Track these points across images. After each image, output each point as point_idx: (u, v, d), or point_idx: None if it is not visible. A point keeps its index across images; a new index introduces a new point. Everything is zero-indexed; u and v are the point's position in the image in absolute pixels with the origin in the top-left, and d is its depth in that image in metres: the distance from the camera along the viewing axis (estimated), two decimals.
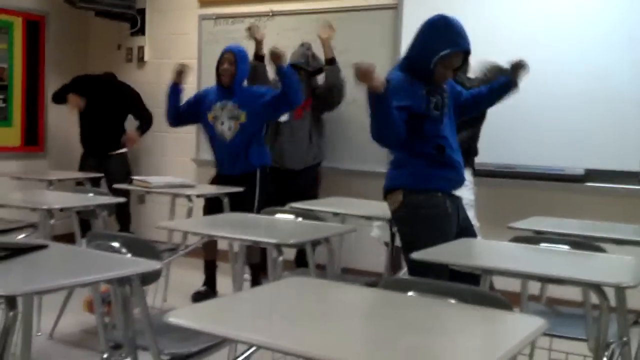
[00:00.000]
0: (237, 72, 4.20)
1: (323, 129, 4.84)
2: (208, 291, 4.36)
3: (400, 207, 2.80)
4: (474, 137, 3.97)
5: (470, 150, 4.00)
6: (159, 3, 5.91)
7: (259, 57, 4.56)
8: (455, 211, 2.83)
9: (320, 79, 4.80)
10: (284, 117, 4.63)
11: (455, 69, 2.85)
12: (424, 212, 2.75)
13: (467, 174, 3.99)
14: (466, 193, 3.90)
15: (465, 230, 2.83)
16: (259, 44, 4.55)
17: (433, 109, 2.76)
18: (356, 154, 4.92)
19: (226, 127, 4.21)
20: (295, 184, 4.65)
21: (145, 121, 5.49)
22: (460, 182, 2.88)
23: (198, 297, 4.25)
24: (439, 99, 2.80)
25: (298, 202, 3.49)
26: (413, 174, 2.79)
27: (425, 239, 2.46)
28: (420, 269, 2.27)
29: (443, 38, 2.72)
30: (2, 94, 5.64)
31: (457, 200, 2.88)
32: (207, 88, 4.46)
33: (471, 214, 3.78)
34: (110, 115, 5.48)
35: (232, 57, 4.20)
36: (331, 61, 4.65)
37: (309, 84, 4.72)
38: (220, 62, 4.25)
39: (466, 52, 2.81)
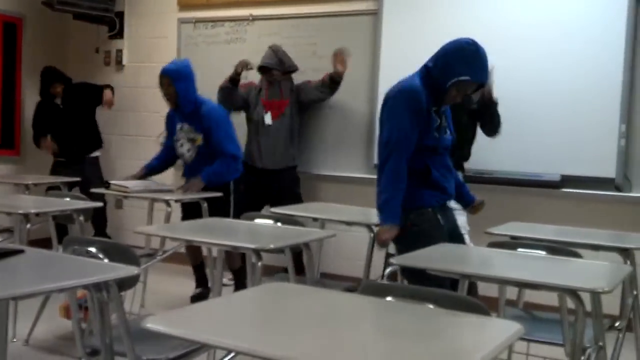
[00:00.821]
0: (177, 92, 4.10)
1: (298, 132, 4.84)
2: (203, 292, 4.35)
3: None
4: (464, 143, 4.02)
5: (462, 154, 4.04)
6: (137, 6, 5.88)
7: (233, 80, 4.57)
8: (446, 222, 2.85)
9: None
10: (267, 120, 4.62)
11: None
12: (416, 229, 2.77)
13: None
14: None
15: (454, 239, 2.84)
16: (238, 74, 4.57)
17: (435, 129, 2.80)
18: (331, 159, 4.93)
19: (185, 149, 4.23)
20: (276, 184, 4.65)
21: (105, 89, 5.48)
22: (448, 198, 2.92)
23: (196, 299, 4.24)
24: (443, 120, 2.85)
25: (278, 207, 3.48)
26: (405, 193, 2.79)
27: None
28: (421, 280, 2.24)
29: (468, 65, 2.73)
30: None
31: (448, 211, 2.91)
32: (170, 113, 4.39)
33: (463, 219, 3.81)
34: (78, 118, 5.43)
35: (166, 81, 4.11)
36: (338, 82, 4.67)
37: (286, 84, 4.73)
38: (160, 86, 4.19)
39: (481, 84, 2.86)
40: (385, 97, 2.85)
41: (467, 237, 3.61)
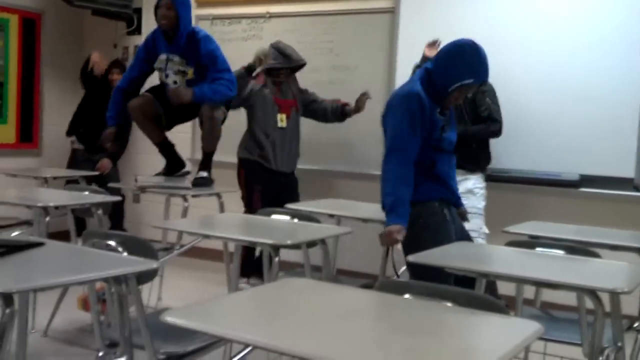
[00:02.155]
0: (178, 18, 3.86)
1: (300, 130, 4.79)
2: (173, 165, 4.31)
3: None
4: (481, 143, 4.01)
5: (480, 156, 4.02)
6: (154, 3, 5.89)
7: (250, 69, 4.51)
8: (452, 219, 2.86)
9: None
10: (281, 124, 4.57)
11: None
12: (422, 221, 2.78)
13: (479, 180, 4.02)
14: (475, 201, 3.93)
15: (463, 240, 2.84)
16: (256, 64, 4.52)
17: (440, 129, 2.81)
18: (347, 156, 4.93)
19: (171, 81, 3.99)
20: (287, 186, 4.64)
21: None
22: (452, 197, 2.91)
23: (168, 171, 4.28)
24: (447, 119, 2.85)
25: (294, 204, 3.49)
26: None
27: (427, 246, 2.45)
28: (423, 277, 2.24)
29: (469, 67, 2.74)
30: None
31: (453, 211, 2.91)
32: (148, 37, 4.10)
33: (479, 221, 3.81)
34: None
35: (168, 2, 3.85)
36: (345, 118, 4.67)
37: (294, 84, 4.67)
38: (157, 7, 3.92)
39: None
40: (386, 104, 2.88)
41: (482, 241, 3.59)
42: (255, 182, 4.51)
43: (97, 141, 5.35)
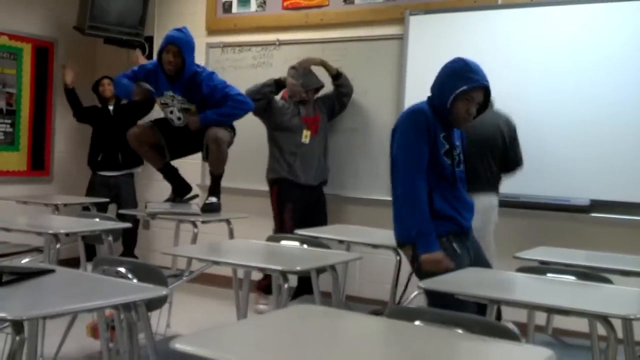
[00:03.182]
0: (184, 64, 3.98)
1: (328, 141, 4.91)
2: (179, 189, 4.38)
3: (413, 262, 2.78)
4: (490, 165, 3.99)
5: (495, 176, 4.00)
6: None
7: (279, 85, 4.62)
8: (464, 250, 2.80)
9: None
10: (304, 140, 4.65)
11: (479, 107, 2.86)
12: None
13: (494, 198, 3.99)
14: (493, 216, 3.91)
15: (478, 262, 2.81)
16: (283, 81, 4.65)
17: (443, 154, 2.80)
18: (357, 181, 4.94)
19: (175, 117, 4.16)
20: (314, 200, 4.73)
21: None
22: (459, 229, 2.83)
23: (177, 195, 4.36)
24: (452, 146, 2.83)
25: (304, 229, 3.48)
26: None
27: None
28: (444, 305, 2.16)
29: (460, 76, 2.76)
30: (9, 119, 5.68)
31: (465, 237, 2.85)
32: (151, 67, 4.20)
33: (494, 214, 3.75)
34: (120, 134, 5.50)
35: (176, 50, 3.96)
36: (339, 74, 4.79)
37: (316, 100, 4.80)
38: (162, 51, 4.02)
39: (487, 89, 2.83)
40: (393, 127, 2.87)
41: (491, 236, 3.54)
42: (287, 200, 4.59)
43: (119, 159, 5.44)
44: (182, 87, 4.07)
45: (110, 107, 5.53)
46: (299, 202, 4.60)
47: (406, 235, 2.76)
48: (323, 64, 4.79)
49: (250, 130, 4.75)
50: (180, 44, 3.98)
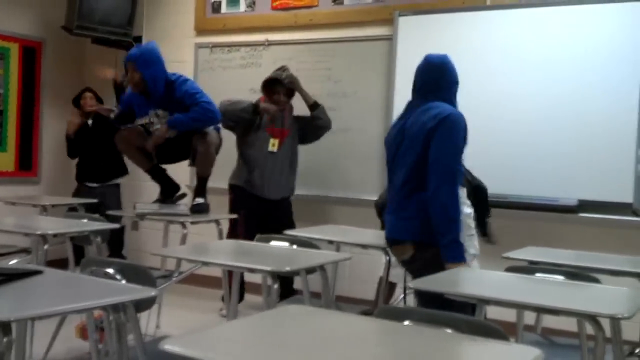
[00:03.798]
0: (144, 79, 3.96)
1: (297, 159, 4.81)
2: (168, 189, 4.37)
3: (412, 260, 2.76)
4: None
5: None
6: (155, 31, 5.96)
7: (256, 112, 4.59)
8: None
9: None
10: (272, 148, 4.60)
11: None
12: (438, 264, 2.61)
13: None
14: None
15: None
16: (263, 109, 4.60)
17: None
18: (345, 182, 4.94)
19: (156, 129, 4.14)
20: (275, 213, 4.62)
21: None
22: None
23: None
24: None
25: (293, 230, 3.48)
26: (424, 226, 2.70)
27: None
28: (441, 306, 2.11)
29: (451, 71, 2.86)
30: None
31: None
32: (129, 95, 4.28)
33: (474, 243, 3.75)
34: (106, 141, 5.47)
35: (132, 66, 3.95)
36: (315, 104, 4.69)
37: (289, 113, 4.72)
38: (126, 72, 4.05)
39: None
40: (438, 117, 2.70)
41: (475, 263, 3.56)
42: (240, 208, 4.54)
43: (98, 172, 5.42)
44: (161, 101, 4.07)
45: (89, 121, 5.49)
46: (253, 213, 4.53)
47: (434, 240, 2.66)
48: (301, 93, 4.67)
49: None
50: (134, 59, 3.96)
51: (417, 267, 2.73)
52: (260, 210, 4.56)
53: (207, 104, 4.04)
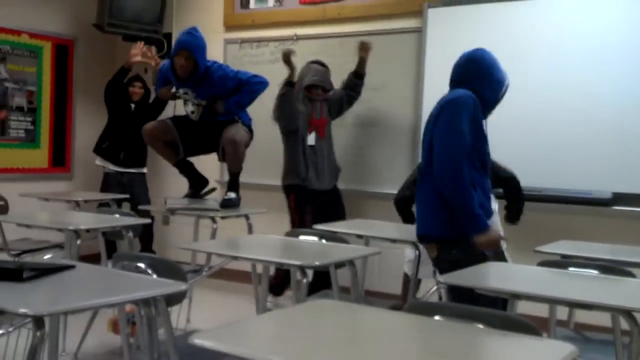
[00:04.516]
0: (197, 65, 4.03)
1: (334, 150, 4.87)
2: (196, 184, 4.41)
3: (438, 260, 2.77)
4: None
5: None
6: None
7: (290, 83, 4.54)
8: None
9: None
10: (311, 141, 4.62)
11: None
12: (463, 263, 2.54)
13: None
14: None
15: (497, 257, 2.78)
16: (292, 71, 4.52)
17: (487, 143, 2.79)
18: (376, 176, 4.92)
19: (189, 110, 4.25)
20: (330, 203, 4.68)
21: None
22: (489, 216, 2.77)
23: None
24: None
25: (323, 224, 3.48)
26: (445, 221, 2.71)
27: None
28: (470, 301, 2.10)
29: (500, 69, 2.82)
30: (30, 117, 5.74)
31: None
32: (167, 66, 4.26)
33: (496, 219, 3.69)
34: (132, 133, 5.53)
35: (187, 54, 4.00)
36: (362, 77, 4.73)
37: (325, 102, 4.73)
38: (174, 54, 4.07)
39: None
40: (441, 103, 2.76)
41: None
42: (306, 204, 4.56)
43: (120, 155, 5.46)
44: (193, 84, 4.14)
45: (132, 105, 5.55)
46: (317, 206, 4.56)
47: (455, 235, 2.68)
48: (364, 58, 4.69)
49: (268, 125, 4.75)
50: (191, 49, 4.01)
51: (444, 267, 2.70)
52: (319, 203, 4.60)
53: (252, 78, 4.22)
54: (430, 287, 3.67)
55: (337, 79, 4.78)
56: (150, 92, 5.67)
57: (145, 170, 5.68)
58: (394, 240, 3.44)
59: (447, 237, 2.72)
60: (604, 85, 4.10)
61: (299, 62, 4.96)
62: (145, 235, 5.44)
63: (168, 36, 5.99)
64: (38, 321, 1.63)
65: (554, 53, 4.25)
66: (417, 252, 3.28)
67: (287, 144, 4.70)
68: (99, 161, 5.61)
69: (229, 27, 5.72)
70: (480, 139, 2.74)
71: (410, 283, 3.35)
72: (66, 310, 1.85)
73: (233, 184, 4.21)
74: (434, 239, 2.78)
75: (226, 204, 4.09)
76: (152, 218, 4.97)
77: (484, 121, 2.78)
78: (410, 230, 3.45)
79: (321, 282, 4.08)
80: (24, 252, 4.04)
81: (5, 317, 2.53)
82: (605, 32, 4.13)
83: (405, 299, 4.03)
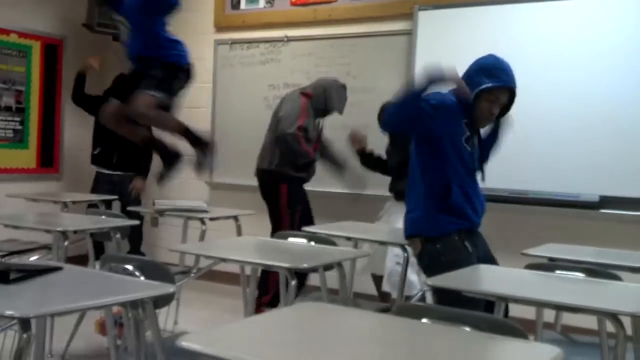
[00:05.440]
0: None
1: None
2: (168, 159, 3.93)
3: (421, 255, 2.81)
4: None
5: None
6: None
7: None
8: (474, 247, 2.78)
9: None
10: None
11: (503, 108, 2.84)
12: (443, 258, 2.70)
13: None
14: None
15: (485, 260, 2.78)
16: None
17: (464, 140, 2.77)
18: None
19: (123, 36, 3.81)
20: (308, 203, 4.63)
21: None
22: (469, 225, 2.81)
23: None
24: (474, 137, 2.82)
25: (311, 226, 3.48)
26: (426, 219, 2.78)
27: None
28: (454, 303, 2.12)
29: (487, 73, 2.75)
30: (19, 117, 5.71)
31: (476, 237, 2.84)
32: None
33: None
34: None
35: None
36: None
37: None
38: None
39: (512, 91, 2.82)
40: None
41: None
42: (299, 203, 4.41)
43: (113, 159, 5.43)
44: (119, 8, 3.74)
45: None
46: (305, 206, 4.47)
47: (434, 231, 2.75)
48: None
49: (253, 124, 4.73)
50: None
51: (426, 263, 2.77)
52: (305, 203, 4.50)
53: None
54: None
55: None
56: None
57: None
58: (382, 243, 3.45)
59: (430, 234, 2.77)
60: (593, 89, 4.13)
61: (289, 63, 4.96)
62: (134, 237, 5.42)
63: None
64: (24, 323, 1.62)
65: (544, 55, 4.28)
66: (405, 254, 3.29)
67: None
68: (95, 166, 5.59)
69: (220, 27, 5.71)
70: (457, 134, 2.76)
71: (399, 285, 3.36)
72: (53, 312, 1.84)
73: (192, 140, 3.78)
74: (418, 235, 2.81)
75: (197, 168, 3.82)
76: (142, 219, 4.93)
77: (464, 120, 2.77)
78: (398, 232, 3.46)
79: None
80: (11, 253, 4.01)
81: None
82: (593, 38, 4.16)
83: (386, 299, 4.04)
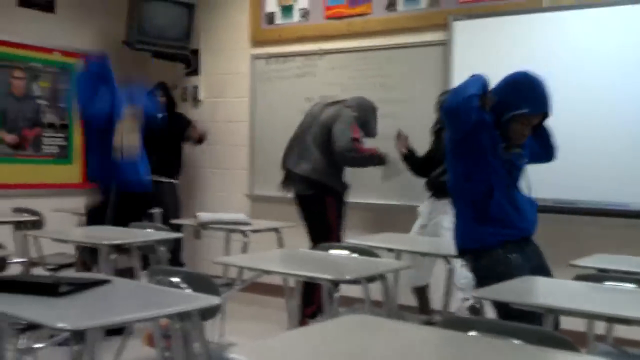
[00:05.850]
0: None
1: None
2: None
3: (472, 270, 2.78)
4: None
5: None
6: (212, 44, 6.06)
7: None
8: (524, 256, 2.70)
9: None
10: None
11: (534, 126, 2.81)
12: (492, 273, 2.58)
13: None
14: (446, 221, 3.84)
15: (539, 270, 2.70)
16: None
17: (503, 148, 2.73)
18: (405, 190, 4.89)
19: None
20: None
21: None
22: (519, 233, 2.74)
23: None
24: (515, 152, 2.77)
25: (353, 238, 3.47)
26: (466, 232, 2.77)
27: None
28: (512, 316, 2.08)
29: (524, 97, 2.71)
30: (62, 133, 5.84)
31: (525, 243, 2.76)
32: None
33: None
34: (167, 141, 5.58)
35: None
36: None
37: None
38: None
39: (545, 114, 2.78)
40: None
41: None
42: (345, 216, 4.45)
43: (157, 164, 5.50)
44: None
45: (159, 115, 5.57)
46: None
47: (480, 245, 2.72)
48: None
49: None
50: None
51: (478, 281, 2.70)
52: None
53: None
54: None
55: (363, 94, 4.75)
56: (175, 103, 5.80)
57: (176, 181, 5.72)
58: (424, 254, 3.42)
59: (473, 246, 2.73)
60: (634, 96, 4.04)
61: (325, 76, 4.97)
62: (174, 247, 5.47)
63: (195, 52, 6.07)
64: (77, 335, 1.66)
65: (584, 64, 4.20)
66: (448, 265, 3.26)
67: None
68: None
69: (256, 42, 5.76)
70: (496, 141, 2.73)
71: (443, 297, 3.33)
72: (104, 324, 1.87)
73: None
74: (467, 251, 2.78)
75: None
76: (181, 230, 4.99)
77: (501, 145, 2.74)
78: (440, 244, 3.43)
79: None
80: (60, 266, 4.09)
81: (42, 332, 2.57)
82: (633, 43, 4.07)
83: (427, 311, 4.00)
